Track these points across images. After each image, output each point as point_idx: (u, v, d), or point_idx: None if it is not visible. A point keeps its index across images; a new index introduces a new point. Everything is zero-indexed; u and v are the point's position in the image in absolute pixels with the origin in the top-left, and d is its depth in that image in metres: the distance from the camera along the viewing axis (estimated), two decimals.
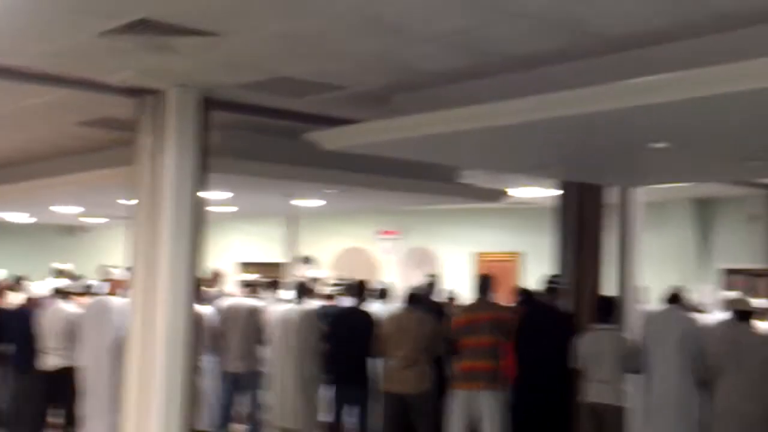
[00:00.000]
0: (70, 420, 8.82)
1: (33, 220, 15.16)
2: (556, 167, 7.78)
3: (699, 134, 5.68)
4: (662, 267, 11.03)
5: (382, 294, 9.00)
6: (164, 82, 5.79)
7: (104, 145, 8.12)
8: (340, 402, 7.91)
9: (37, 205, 12.58)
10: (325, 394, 8.12)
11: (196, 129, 5.81)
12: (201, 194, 5.89)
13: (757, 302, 7.22)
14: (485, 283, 7.75)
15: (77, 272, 11.46)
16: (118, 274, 8.84)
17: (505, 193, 10.13)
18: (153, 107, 5.86)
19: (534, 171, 8.34)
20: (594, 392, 6.94)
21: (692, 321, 7.34)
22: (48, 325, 8.79)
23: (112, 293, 8.72)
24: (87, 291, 9.35)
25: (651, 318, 7.50)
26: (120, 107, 6.34)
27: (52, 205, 12.34)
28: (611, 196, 8.72)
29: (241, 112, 6.67)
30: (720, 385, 6.62)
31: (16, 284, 10.05)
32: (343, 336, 7.81)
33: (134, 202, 5.94)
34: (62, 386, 8.72)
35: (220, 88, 6.00)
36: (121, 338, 7.83)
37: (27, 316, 9.02)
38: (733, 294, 8.48)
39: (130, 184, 6.07)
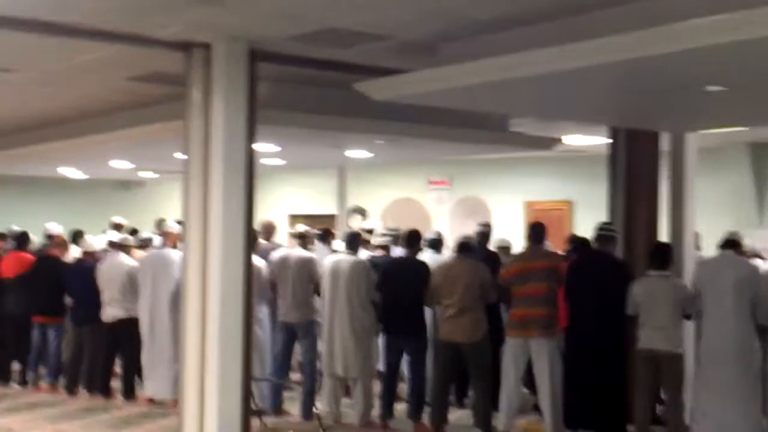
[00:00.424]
0: (132, 369, 9.06)
1: (87, 176, 15.40)
2: (608, 113, 7.68)
3: (755, 76, 5.55)
4: (717, 213, 10.87)
5: (435, 243, 9.01)
6: (212, 36, 5.80)
7: (155, 100, 8.18)
8: (395, 351, 7.99)
9: (91, 161, 12.78)
10: (381, 343, 8.23)
11: (245, 82, 5.83)
12: (252, 147, 5.92)
13: None
14: (537, 231, 7.73)
15: (133, 226, 11.64)
16: (173, 227, 8.96)
17: (558, 140, 10.02)
18: (201, 61, 5.88)
19: (586, 117, 8.25)
20: (650, 339, 6.91)
21: (749, 266, 7.24)
22: (107, 277, 9.00)
23: (168, 246, 8.88)
24: (144, 244, 9.53)
25: (706, 264, 7.42)
26: (169, 62, 6.37)
27: (106, 160, 12.52)
28: (664, 142, 8.60)
29: (289, 64, 6.65)
30: None
31: (74, 239, 10.27)
32: (397, 285, 7.86)
33: (186, 156, 6.00)
34: (123, 337, 8.95)
35: (267, 41, 6.00)
36: (179, 289, 8.01)
37: (86, 270, 9.24)
38: None
39: (181, 139, 6.13)
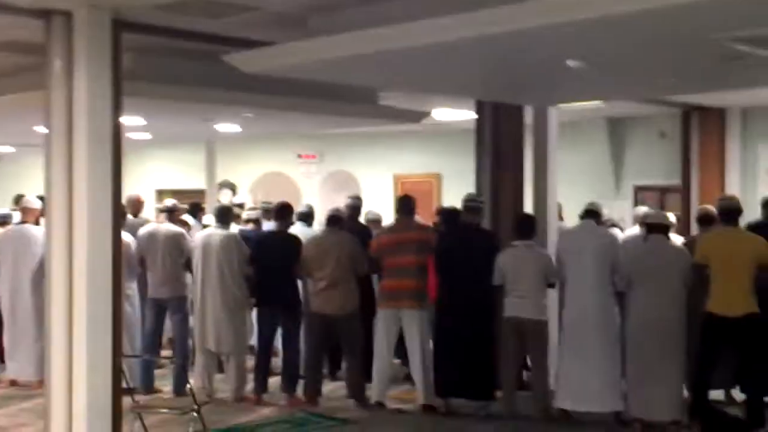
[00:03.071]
0: None
1: None
2: (474, 87, 7.84)
3: (612, 52, 5.78)
4: (578, 184, 11.29)
5: (305, 217, 9.02)
6: (73, 3, 5.59)
7: (13, 71, 7.85)
8: (268, 325, 7.98)
9: None
10: (253, 317, 8.20)
11: (109, 52, 5.65)
12: (118, 120, 5.76)
13: (668, 217, 7.45)
14: (407, 203, 7.85)
15: None
16: (33, 203, 8.65)
17: (426, 114, 10.16)
18: (62, 29, 5.66)
19: (453, 91, 8.40)
20: (515, 307, 7.14)
21: (608, 235, 7.59)
22: None
23: (27, 222, 8.58)
24: (2, 221, 9.16)
25: (568, 233, 7.71)
26: (27, 30, 6.12)
27: None
28: (528, 117, 8.84)
29: (155, 34, 6.49)
30: (636, 295, 6.89)
31: None
32: (269, 259, 7.83)
33: (48, 129, 5.79)
34: None
35: (132, 10, 5.83)
36: (42, 267, 7.75)
37: None
38: (645, 209, 8.76)
39: (42, 110, 5.90)
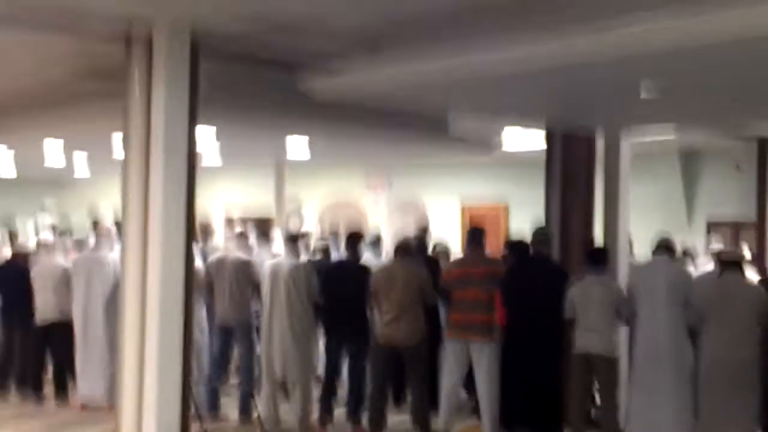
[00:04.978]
0: (64, 373, 8.87)
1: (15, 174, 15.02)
2: (545, 114, 7.78)
3: (686, 82, 5.70)
4: (650, 218, 11.10)
5: (375, 246, 9.01)
6: (154, 28, 5.68)
7: (94, 95, 8.02)
8: (335, 353, 7.97)
9: (25, 158, 12.47)
10: (321, 346, 8.20)
11: (187, 78, 5.71)
12: (194, 145, 5.82)
13: (743, 252, 7.27)
14: (477, 235, 7.79)
15: (66, 225, 11.41)
16: (108, 226, 8.81)
17: (498, 146, 10.10)
18: (142, 54, 5.75)
19: (522, 118, 8.35)
20: (585, 342, 7.01)
21: (681, 270, 7.42)
22: (40, 279, 8.80)
23: (101, 247, 8.73)
24: (79, 244, 9.34)
25: (640, 267, 7.56)
26: (108, 56, 6.24)
27: (41, 157, 12.24)
28: (599, 148, 8.74)
29: (232, 60, 6.58)
30: (708, 334, 6.71)
31: (5, 239, 10.03)
32: (340, 288, 7.84)
33: (125, 153, 5.89)
34: (56, 340, 8.76)
35: (210, 33, 5.89)
36: (114, 290, 7.87)
37: (17, 271, 9.02)
38: (719, 245, 8.57)
39: (120, 135, 6.01)
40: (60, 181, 17.60)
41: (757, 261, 9.80)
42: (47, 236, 9.47)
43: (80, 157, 12.30)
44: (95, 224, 10.20)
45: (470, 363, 7.52)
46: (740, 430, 6.55)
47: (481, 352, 7.42)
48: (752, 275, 7.60)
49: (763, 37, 4.26)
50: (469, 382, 7.76)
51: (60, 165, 12.90)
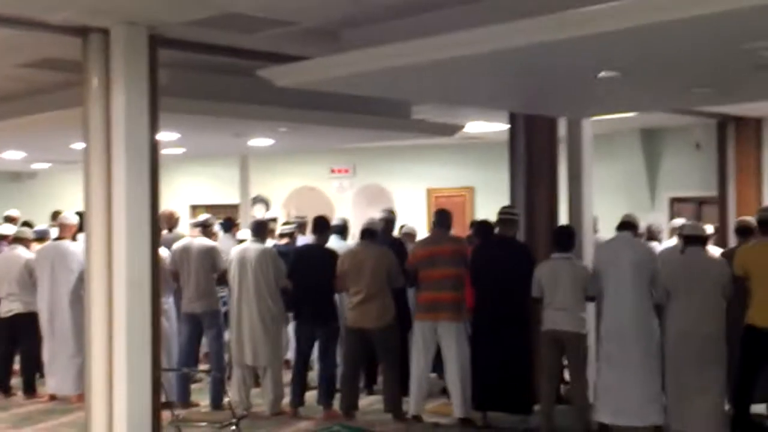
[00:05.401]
0: (31, 365, 8.81)
1: None
2: (507, 99, 7.82)
3: (646, 63, 5.73)
4: (612, 197, 11.21)
5: (340, 230, 9.02)
6: (109, 20, 5.65)
7: (49, 88, 7.94)
8: (305, 338, 7.98)
9: None
10: (290, 331, 8.20)
11: (146, 68, 5.69)
12: (155, 135, 5.79)
13: (704, 227, 7.38)
14: (443, 217, 7.84)
15: (25, 218, 11.29)
16: (70, 219, 8.73)
17: (460, 127, 10.14)
18: (99, 46, 5.71)
19: (486, 103, 8.38)
20: (553, 320, 7.09)
21: (645, 247, 7.51)
22: (4, 271, 8.73)
23: (65, 238, 8.66)
24: (41, 237, 9.27)
25: (605, 245, 7.64)
26: (63, 47, 6.19)
27: None
28: (561, 129, 8.79)
29: (191, 50, 6.54)
30: (674, 308, 6.81)
31: None
32: (307, 273, 7.86)
33: (85, 146, 5.84)
34: (22, 332, 8.70)
35: (168, 26, 5.87)
36: (79, 280, 7.83)
37: None
38: (682, 221, 8.68)
39: (78, 128, 5.95)
40: (20, 173, 17.39)
41: (719, 236, 9.95)
42: (7, 228, 9.35)
43: (39, 149, 12.17)
44: (56, 215, 10.10)
45: (438, 345, 7.57)
46: (708, 403, 6.66)
47: (449, 333, 7.46)
48: (714, 249, 7.71)
49: (724, 13, 4.29)
50: (437, 363, 7.80)
51: (18, 157, 12.79)
